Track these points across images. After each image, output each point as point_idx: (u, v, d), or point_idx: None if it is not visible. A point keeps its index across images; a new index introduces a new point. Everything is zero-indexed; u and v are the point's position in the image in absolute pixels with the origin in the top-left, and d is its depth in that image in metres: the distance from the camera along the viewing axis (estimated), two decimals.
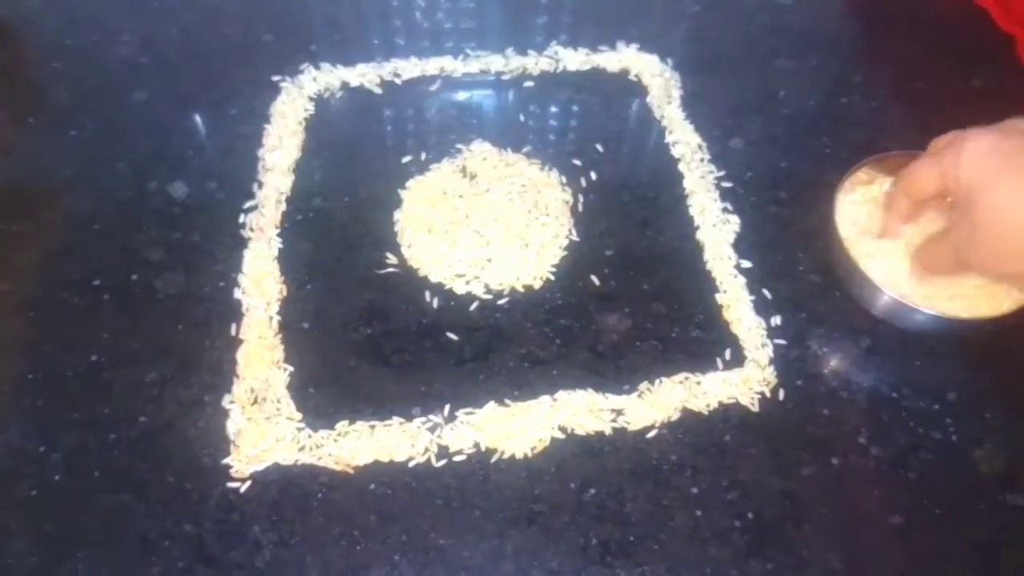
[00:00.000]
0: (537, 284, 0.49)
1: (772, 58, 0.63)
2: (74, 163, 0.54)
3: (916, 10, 0.67)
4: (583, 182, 0.54)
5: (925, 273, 0.46)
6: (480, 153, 0.55)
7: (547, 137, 0.57)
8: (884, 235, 0.47)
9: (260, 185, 0.53)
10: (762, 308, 0.48)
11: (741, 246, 0.51)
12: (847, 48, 0.66)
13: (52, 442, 0.42)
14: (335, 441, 0.43)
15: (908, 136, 0.55)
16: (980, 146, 0.40)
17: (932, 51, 0.64)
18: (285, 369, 0.45)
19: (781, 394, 0.45)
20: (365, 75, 0.60)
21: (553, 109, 0.59)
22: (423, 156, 0.55)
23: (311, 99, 0.58)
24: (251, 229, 0.51)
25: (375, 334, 0.47)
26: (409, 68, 0.60)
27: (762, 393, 0.45)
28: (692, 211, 0.53)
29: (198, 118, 0.57)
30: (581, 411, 0.44)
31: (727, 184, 0.54)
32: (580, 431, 0.43)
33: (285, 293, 0.48)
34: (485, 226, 0.51)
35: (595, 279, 0.49)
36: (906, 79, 0.62)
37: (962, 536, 0.41)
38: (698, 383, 0.45)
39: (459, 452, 0.43)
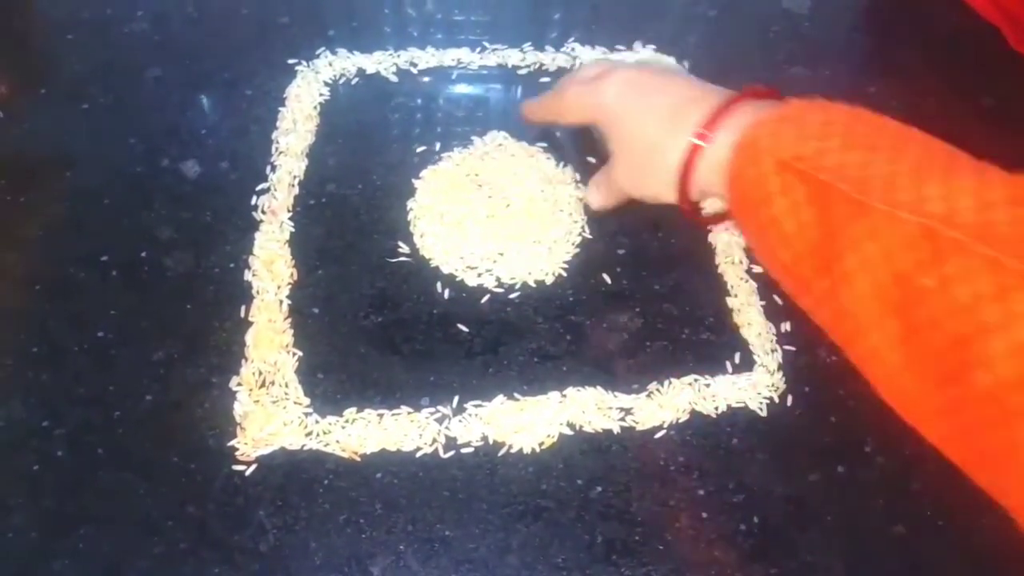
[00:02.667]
0: (549, 280, 0.49)
1: (787, 66, 0.63)
2: (85, 136, 0.53)
3: (929, 26, 0.68)
4: None
5: (598, 206, 0.50)
6: (494, 147, 0.55)
7: (561, 134, 0.57)
8: (528, 118, 0.52)
9: (273, 168, 0.52)
10: (772, 313, 0.48)
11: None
12: (861, 60, 0.66)
13: (56, 417, 0.42)
14: (343, 428, 0.42)
15: None
16: (621, 79, 0.44)
17: (944, 67, 0.65)
18: (294, 353, 0.45)
19: (789, 400, 0.45)
20: (381, 63, 0.59)
21: None
22: (437, 146, 0.55)
23: (327, 84, 0.58)
24: (263, 211, 0.50)
25: (385, 322, 0.46)
26: (426, 58, 0.60)
27: (770, 398, 0.45)
28: (704, 214, 0.53)
29: (212, 98, 0.56)
30: (590, 408, 0.44)
31: None
32: (588, 428, 0.43)
33: (296, 277, 0.48)
34: (498, 220, 0.51)
35: (607, 277, 0.49)
36: (918, 94, 0.62)
37: (964, 548, 0.41)
38: (707, 385, 0.45)
39: (467, 444, 0.42)
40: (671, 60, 0.58)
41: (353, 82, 0.59)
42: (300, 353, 0.45)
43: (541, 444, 0.43)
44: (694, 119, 0.40)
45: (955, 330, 0.28)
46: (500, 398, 0.44)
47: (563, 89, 0.48)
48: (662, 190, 0.43)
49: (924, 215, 0.29)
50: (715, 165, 0.39)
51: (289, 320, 0.46)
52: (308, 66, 0.58)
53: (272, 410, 0.42)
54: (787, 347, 0.47)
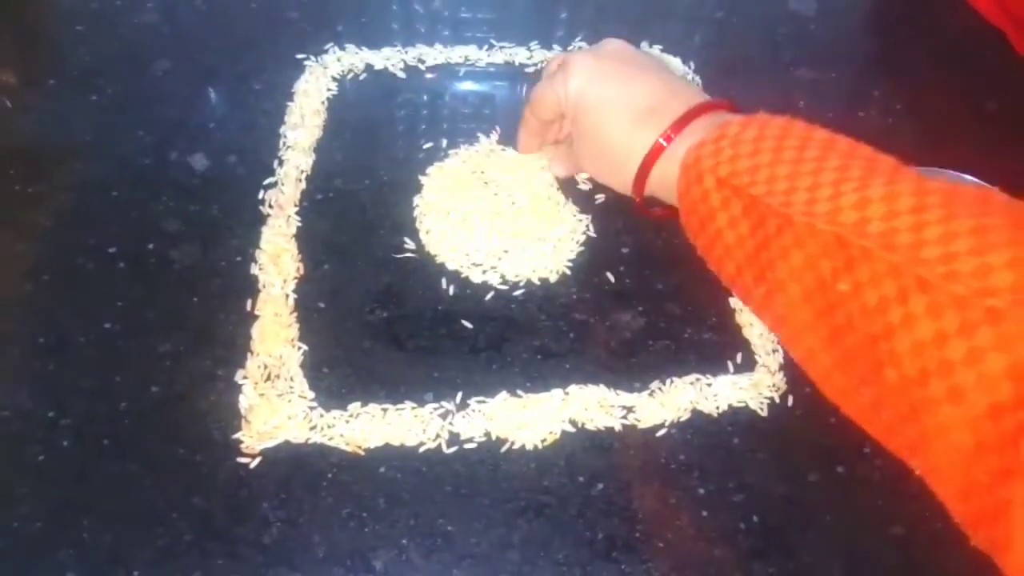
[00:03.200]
0: (553, 277, 0.49)
1: (793, 68, 0.64)
2: (93, 128, 0.54)
3: (935, 29, 0.68)
4: None
5: (557, 168, 0.52)
6: (501, 145, 0.55)
7: None
8: (520, 150, 0.54)
9: (281, 162, 0.53)
10: None
11: None
12: (866, 62, 0.66)
13: (62, 408, 0.42)
14: (347, 422, 0.43)
15: (923, 153, 0.56)
16: (582, 67, 0.46)
17: (949, 71, 0.65)
18: (299, 347, 0.45)
19: (790, 400, 0.45)
20: (389, 59, 0.59)
21: None
22: (444, 143, 0.55)
23: (335, 79, 0.58)
24: (270, 206, 0.50)
25: (391, 318, 0.47)
26: (433, 55, 0.60)
27: (771, 398, 0.45)
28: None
29: (221, 91, 0.57)
30: (592, 406, 0.44)
31: None
32: (590, 426, 0.44)
33: (302, 272, 0.48)
34: (503, 217, 0.51)
35: (610, 276, 0.50)
36: (923, 97, 0.63)
37: (962, 549, 0.41)
38: (709, 385, 0.46)
39: (470, 440, 0.43)
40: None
41: (361, 78, 0.59)
42: (305, 347, 0.45)
43: (543, 441, 0.43)
44: (657, 127, 0.43)
45: (868, 331, 0.30)
46: (503, 394, 0.44)
47: (537, 87, 0.49)
48: (619, 186, 0.47)
49: (839, 225, 0.32)
50: (664, 178, 0.43)
51: (295, 314, 0.46)
52: (316, 61, 0.59)
53: (277, 404, 0.43)
54: None
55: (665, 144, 0.42)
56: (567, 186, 0.53)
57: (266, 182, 0.52)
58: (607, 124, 0.45)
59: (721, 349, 0.47)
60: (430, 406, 0.44)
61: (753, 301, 0.39)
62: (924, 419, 0.29)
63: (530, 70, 0.60)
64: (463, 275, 0.49)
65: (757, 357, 0.47)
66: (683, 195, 0.40)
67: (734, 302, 0.49)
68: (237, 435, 0.42)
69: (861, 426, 0.35)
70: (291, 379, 0.44)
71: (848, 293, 0.31)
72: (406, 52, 0.60)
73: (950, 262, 0.29)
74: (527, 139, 0.53)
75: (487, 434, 0.43)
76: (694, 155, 0.39)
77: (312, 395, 0.43)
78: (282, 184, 0.51)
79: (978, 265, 0.28)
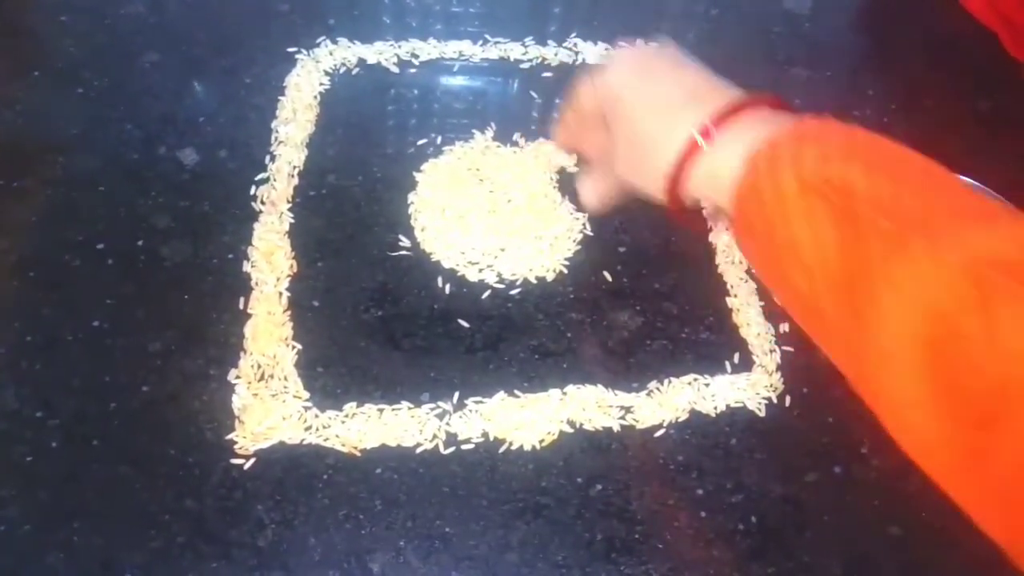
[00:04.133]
0: (550, 276, 0.49)
1: (788, 66, 0.64)
2: (79, 121, 0.52)
3: (928, 29, 0.68)
4: None
5: (590, 206, 0.48)
6: (496, 141, 0.55)
7: None
8: (558, 146, 0.50)
9: (273, 158, 0.52)
10: (771, 314, 0.48)
11: None
12: (861, 61, 0.66)
13: (50, 408, 0.41)
14: (342, 423, 0.42)
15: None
16: (626, 59, 0.42)
17: (943, 71, 0.65)
18: (293, 347, 0.44)
19: (787, 400, 0.45)
20: (382, 53, 0.59)
21: None
22: (438, 139, 0.54)
23: (327, 73, 0.57)
24: (262, 202, 0.50)
25: (386, 316, 0.46)
26: (427, 49, 0.59)
27: (769, 399, 0.45)
28: (705, 213, 0.53)
29: (211, 85, 0.56)
30: (590, 406, 0.44)
31: None
32: (589, 426, 0.43)
33: (295, 269, 0.47)
34: (500, 215, 0.50)
35: (608, 275, 0.49)
36: (916, 97, 0.63)
37: (959, 549, 0.41)
38: (706, 385, 0.45)
39: (467, 440, 0.42)
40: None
41: (354, 72, 0.58)
42: (299, 346, 0.44)
43: (541, 441, 0.43)
44: (697, 116, 0.38)
45: (1003, 376, 0.27)
46: (501, 394, 0.44)
47: (576, 82, 0.45)
48: (653, 182, 0.41)
49: (969, 256, 0.28)
50: (716, 172, 0.37)
51: (288, 313, 0.45)
52: (308, 55, 0.58)
53: (271, 404, 0.42)
54: (786, 348, 0.47)
55: (712, 133, 0.37)
56: (564, 183, 0.53)
57: (258, 178, 0.51)
58: (647, 114, 0.40)
59: (718, 349, 0.47)
60: (427, 406, 0.43)
61: (824, 325, 0.34)
62: None
63: (525, 65, 0.60)
64: (459, 273, 0.48)
65: (754, 357, 0.47)
66: (747, 194, 0.35)
67: (731, 302, 0.49)
68: (230, 436, 0.41)
69: (931, 474, 0.31)
70: (285, 379, 0.43)
71: (978, 335, 0.27)
72: (399, 46, 0.59)
73: None
74: (562, 133, 0.48)
75: (485, 435, 0.43)
76: (768, 150, 0.34)
77: (307, 395, 0.43)
78: (274, 180, 0.51)
79: None
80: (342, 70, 0.58)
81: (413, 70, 0.59)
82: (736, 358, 0.47)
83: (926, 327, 0.28)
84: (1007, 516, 0.29)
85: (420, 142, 0.54)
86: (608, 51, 0.44)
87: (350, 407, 0.43)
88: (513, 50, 0.60)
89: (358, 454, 0.41)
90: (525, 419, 0.43)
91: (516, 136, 0.55)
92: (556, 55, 0.60)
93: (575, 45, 0.61)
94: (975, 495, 0.30)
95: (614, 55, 0.43)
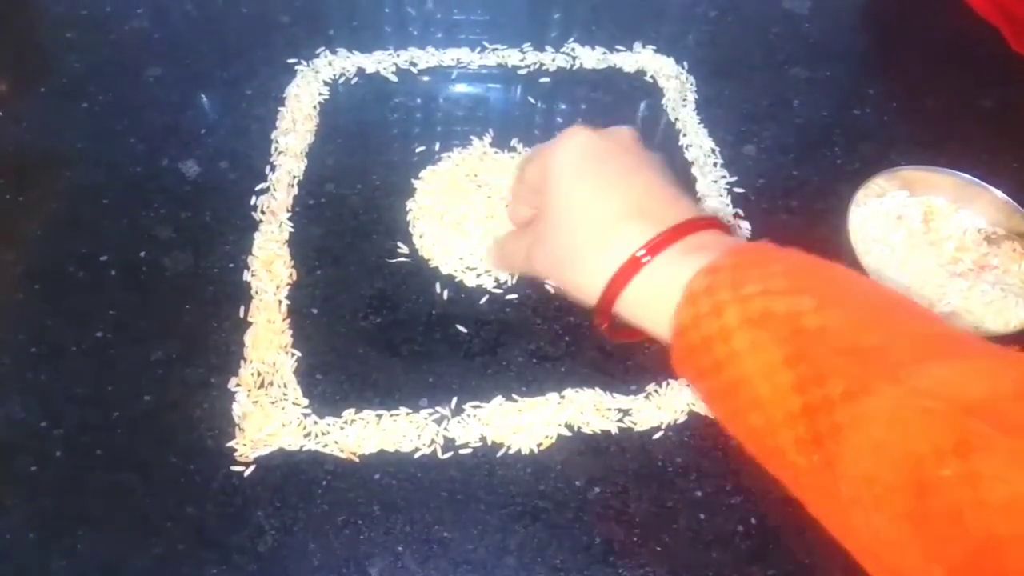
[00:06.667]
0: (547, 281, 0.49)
1: (787, 67, 0.63)
2: (84, 135, 0.53)
3: (929, 27, 0.68)
4: None
5: (498, 265, 0.46)
6: (494, 148, 0.55)
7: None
8: (510, 219, 0.45)
9: (273, 168, 0.52)
10: None
11: None
12: (861, 61, 0.66)
13: (54, 417, 0.42)
14: (341, 429, 0.42)
15: (919, 151, 0.56)
16: (570, 150, 0.38)
17: (944, 68, 0.65)
18: (293, 354, 0.45)
19: None
20: (381, 62, 0.59)
21: (569, 106, 0.59)
22: (437, 146, 0.55)
23: (326, 84, 0.58)
24: (262, 211, 0.50)
25: (384, 323, 0.46)
26: (426, 58, 0.60)
27: None
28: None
29: (212, 97, 0.56)
30: (588, 409, 0.44)
31: (739, 190, 0.54)
32: (587, 429, 0.43)
33: (295, 278, 0.48)
34: (497, 220, 0.50)
35: None
36: (918, 95, 0.62)
37: None
38: None
39: (465, 445, 0.42)
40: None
41: (353, 82, 0.59)
42: (299, 354, 0.45)
43: (539, 445, 0.43)
44: (636, 236, 0.35)
45: (987, 529, 0.25)
46: (499, 399, 0.44)
47: (530, 155, 0.43)
48: (579, 289, 0.37)
49: (937, 399, 0.26)
50: (650, 302, 0.35)
51: (288, 320, 0.46)
52: (308, 65, 0.59)
53: (271, 411, 0.42)
54: None
55: (650, 256, 0.34)
56: None
57: (258, 188, 0.51)
58: (580, 214, 0.37)
59: None
60: (425, 411, 0.43)
61: (786, 466, 0.31)
62: None
63: (522, 72, 0.60)
64: (457, 279, 0.49)
65: None
66: (687, 328, 0.32)
67: None
68: (231, 443, 0.41)
69: None
70: (285, 386, 0.43)
71: (955, 481, 0.25)
72: (398, 55, 0.60)
73: None
74: (515, 208, 0.44)
75: (483, 439, 0.43)
76: (705, 281, 0.32)
77: (306, 402, 0.43)
78: (274, 190, 0.51)
79: None
80: (341, 80, 0.58)
81: (412, 78, 0.59)
82: None
83: (903, 473, 0.27)
84: None
85: (419, 149, 0.55)
86: (569, 131, 0.39)
87: (349, 413, 0.43)
88: (511, 56, 0.61)
89: (357, 460, 0.41)
90: (523, 423, 0.43)
91: (514, 142, 0.55)
92: (554, 60, 0.61)
93: (573, 50, 0.61)
94: None
95: (567, 137, 0.39)
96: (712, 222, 0.36)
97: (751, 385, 0.31)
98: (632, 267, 0.35)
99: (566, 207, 0.37)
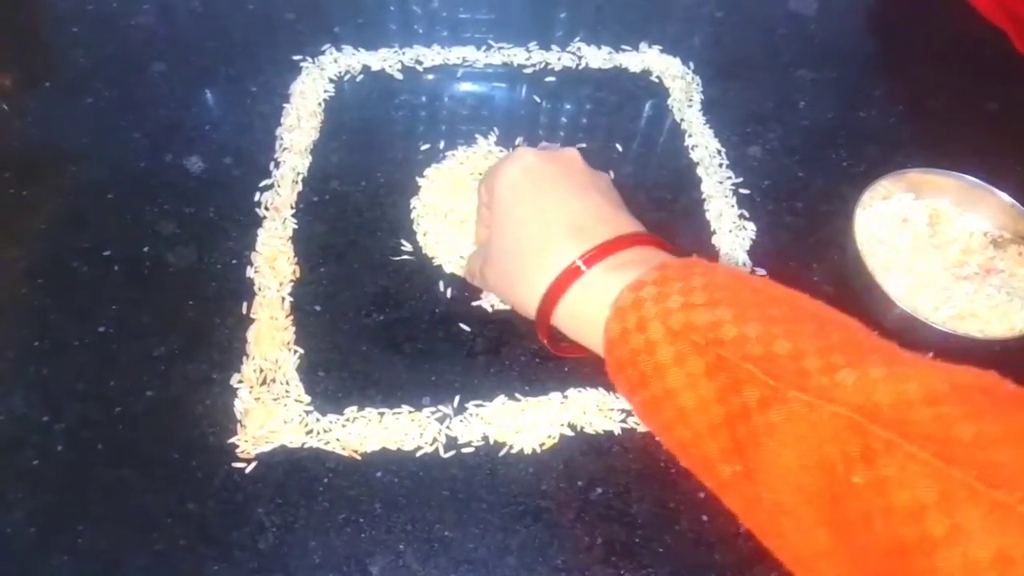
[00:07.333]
0: None
1: (793, 68, 0.63)
2: (89, 131, 0.53)
3: (935, 29, 0.68)
4: None
5: (471, 280, 0.46)
6: (499, 146, 0.55)
7: (566, 133, 0.57)
8: (475, 237, 0.47)
9: (277, 164, 0.52)
10: None
11: (756, 253, 0.51)
12: (867, 62, 0.66)
13: (56, 412, 0.42)
14: (343, 426, 0.42)
15: (924, 153, 0.56)
16: (523, 165, 0.40)
17: (950, 71, 0.64)
18: (295, 351, 0.45)
19: None
20: (386, 60, 0.59)
21: (574, 106, 0.59)
22: (441, 144, 0.55)
23: (331, 81, 0.58)
24: (266, 208, 0.50)
25: (387, 321, 0.46)
26: (431, 56, 0.60)
27: None
28: (709, 216, 0.53)
29: (217, 93, 0.56)
30: (591, 409, 0.44)
31: (744, 191, 0.54)
32: (589, 429, 0.43)
33: (298, 274, 0.48)
34: None
35: None
36: (923, 97, 0.62)
37: None
38: None
39: (467, 444, 0.42)
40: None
41: (358, 79, 0.59)
42: (301, 351, 0.45)
43: (542, 445, 0.43)
44: (571, 252, 0.36)
45: (896, 535, 0.26)
46: (501, 398, 0.44)
47: (489, 175, 0.43)
48: (521, 306, 0.40)
49: (845, 405, 0.27)
50: (582, 315, 0.36)
51: (291, 317, 0.46)
52: (313, 63, 0.58)
53: (273, 408, 0.42)
54: None
55: (584, 268, 0.36)
56: None
57: (262, 184, 0.51)
58: (525, 233, 0.38)
59: None
60: (427, 410, 0.43)
61: (714, 475, 0.32)
62: None
63: (528, 71, 0.60)
64: (460, 277, 0.48)
65: None
66: (616, 342, 0.33)
67: None
68: (232, 439, 0.41)
69: None
70: (287, 383, 0.43)
71: (864, 487, 0.26)
72: (403, 53, 0.60)
73: (999, 472, 0.24)
74: (477, 226, 0.46)
75: (485, 438, 0.43)
76: (631, 296, 0.33)
77: (308, 399, 0.43)
78: (278, 186, 0.51)
79: None
80: (346, 77, 0.58)
81: (417, 76, 0.59)
82: None
83: (818, 480, 0.28)
84: None
85: (423, 148, 0.55)
86: (513, 154, 0.40)
87: (351, 411, 0.43)
88: (516, 55, 0.60)
89: (358, 458, 0.41)
90: (525, 422, 0.43)
91: (518, 141, 0.55)
92: (559, 59, 0.61)
93: (579, 50, 0.61)
94: None
95: (511, 160, 0.40)
96: (644, 238, 0.37)
97: (677, 397, 0.31)
98: (566, 279, 0.36)
99: (508, 228, 0.39)
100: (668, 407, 0.32)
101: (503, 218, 0.39)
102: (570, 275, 0.36)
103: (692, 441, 0.32)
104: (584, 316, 0.36)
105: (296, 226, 0.50)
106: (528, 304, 0.38)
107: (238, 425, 0.42)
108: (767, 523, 0.31)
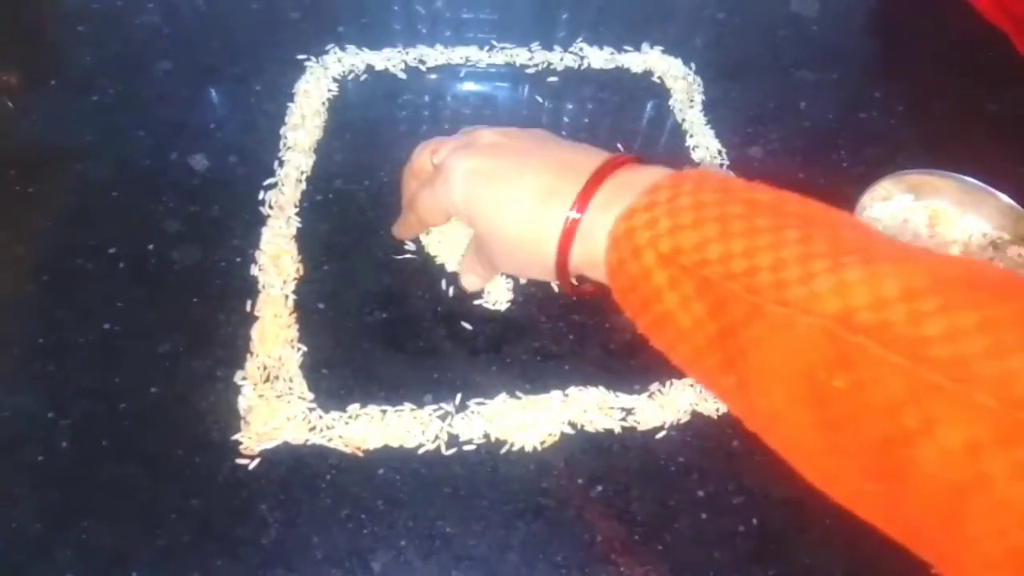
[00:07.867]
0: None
1: (794, 69, 0.64)
2: (94, 129, 0.54)
3: (937, 30, 0.68)
4: None
5: (471, 281, 0.47)
6: None
7: (569, 133, 0.57)
8: (398, 235, 0.49)
9: (281, 163, 0.53)
10: None
11: None
12: (868, 64, 0.66)
13: (61, 408, 0.42)
14: (346, 424, 0.43)
15: (925, 155, 0.56)
16: (462, 172, 0.40)
17: (951, 72, 0.65)
18: (299, 349, 0.45)
19: None
20: (390, 59, 0.59)
21: (576, 105, 0.59)
22: None
23: (335, 80, 0.58)
24: (270, 206, 0.50)
25: (390, 319, 0.47)
26: (434, 55, 0.60)
27: None
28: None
29: (221, 92, 0.57)
30: (592, 408, 0.44)
31: None
32: (590, 428, 0.44)
33: (302, 273, 0.48)
34: None
35: None
36: (924, 99, 0.63)
37: None
38: None
39: (469, 442, 0.43)
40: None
41: (362, 78, 0.59)
42: (305, 348, 0.45)
43: (543, 443, 0.43)
44: (558, 208, 0.37)
45: (879, 432, 0.27)
46: (503, 396, 0.44)
47: (411, 199, 0.45)
48: (542, 275, 0.41)
49: (821, 316, 0.28)
50: (589, 253, 0.37)
51: (295, 315, 0.46)
52: (317, 62, 0.59)
53: (276, 405, 0.43)
54: None
55: (579, 216, 0.37)
56: None
57: (266, 183, 0.52)
58: (508, 219, 0.39)
59: None
60: (429, 407, 0.44)
61: (717, 387, 0.35)
62: (967, 525, 0.26)
63: (530, 71, 0.60)
64: None
65: None
66: (616, 271, 0.35)
67: None
68: (236, 436, 0.42)
69: (854, 512, 0.31)
70: (290, 380, 0.44)
71: (845, 390, 0.28)
72: (407, 53, 0.60)
73: (966, 366, 0.25)
74: (405, 232, 0.49)
75: (486, 436, 0.43)
76: (624, 226, 0.34)
77: (311, 396, 0.43)
78: (282, 185, 0.51)
79: (1000, 371, 0.25)
80: (350, 76, 0.59)
81: (420, 76, 0.59)
82: None
83: (802, 388, 0.29)
84: (929, 550, 0.30)
85: None
86: (435, 141, 0.43)
87: (354, 408, 0.43)
88: (519, 55, 0.61)
89: (361, 455, 0.42)
90: (527, 420, 0.43)
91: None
92: (562, 60, 0.61)
93: (581, 50, 0.62)
94: (899, 532, 0.31)
95: (448, 167, 0.41)
96: (617, 160, 0.38)
97: (675, 318, 0.33)
98: (567, 235, 0.37)
99: (494, 222, 0.40)
100: (669, 328, 0.34)
101: (485, 226, 0.40)
102: (569, 231, 0.37)
103: (694, 357, 0.34)
104: (594, 258, 0.37)
105: (300, 224, 0.50)
106: (545, 275, 0.41)
107: (242, 422, 0.42)
108: (772, 429, 0.33)
